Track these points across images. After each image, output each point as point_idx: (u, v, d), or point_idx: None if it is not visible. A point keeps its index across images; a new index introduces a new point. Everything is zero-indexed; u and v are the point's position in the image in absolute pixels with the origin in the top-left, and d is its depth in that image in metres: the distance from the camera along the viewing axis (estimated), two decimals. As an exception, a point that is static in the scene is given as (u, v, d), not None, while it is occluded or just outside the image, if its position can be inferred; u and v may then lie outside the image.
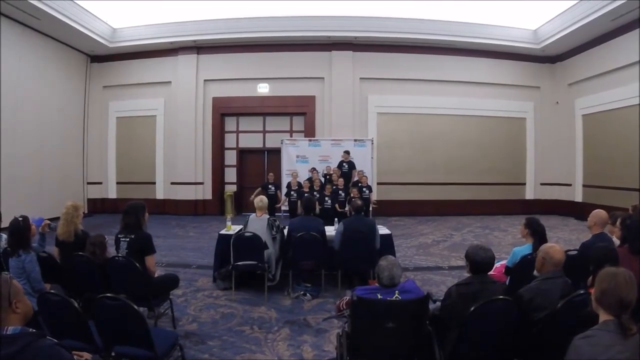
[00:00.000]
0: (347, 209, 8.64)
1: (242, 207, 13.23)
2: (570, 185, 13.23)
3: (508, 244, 8.77)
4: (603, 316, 1.91)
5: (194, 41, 13.02)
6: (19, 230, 3.68)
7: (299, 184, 9.84)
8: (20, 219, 3.74)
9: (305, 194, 8.79)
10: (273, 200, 9.54)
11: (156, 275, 4.25)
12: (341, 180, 9.73)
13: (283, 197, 10.19)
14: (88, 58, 13.67)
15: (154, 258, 4.10)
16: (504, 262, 4.35)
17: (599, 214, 4.20)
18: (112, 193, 14.09)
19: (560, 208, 13.35)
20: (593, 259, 3.07)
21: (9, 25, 10.18)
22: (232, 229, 6.06)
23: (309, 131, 13.32)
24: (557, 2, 11.02)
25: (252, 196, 7.45)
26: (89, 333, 2.79)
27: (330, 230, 5.87)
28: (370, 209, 9.83)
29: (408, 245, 8.94)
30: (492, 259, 2.94)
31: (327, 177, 10.33)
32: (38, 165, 11.44)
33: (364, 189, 9.69)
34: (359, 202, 6.16)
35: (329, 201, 8.90)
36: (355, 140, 12.16)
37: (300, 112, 13.57)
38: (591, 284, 3.04)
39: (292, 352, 3.90)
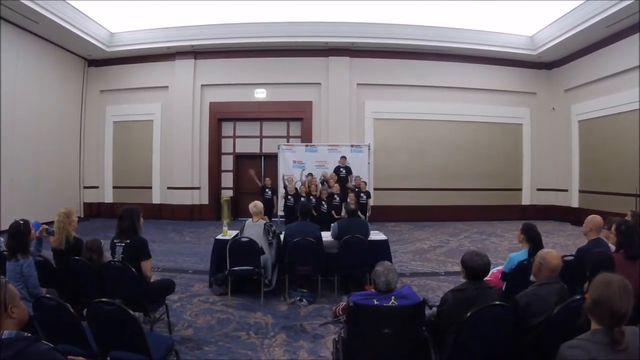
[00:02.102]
0: (343, 213, 8.63)
1: (239, 212, 13.23)
2: (566, 190, 13.27)
3: (504, 249, 8.77)
4: (594, 325, 1.82)
5: (192, 46, 13.05)
6: (19, 234, 3.65)
7: (295, 189, 9.83)
8: (21, 222, 3.71)
9: (302, 198, 8.82)
10: (269, 205, 9.53)
11: (152, 280, 4.24)
12: (337, 185, 9.74)
13: (280, 203, 10.18)
14: (85, 62, 13.68)
15: (150, 263, 4.09)
16: (500, 267, 4.36)
17: (594, 219, 4.21)
18: (108, 197, 14.04)
19: (557, 213, 13.39)
20: (589, 264, 3.08)
21: (7, 28, 10.18)
22: (229, 234, 6.04)
23: (306, 136, 13.34)
24: (553, 8, 11.11)
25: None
26: (85, 338, 2.77)
27: (327, 236, 5.88)
28: (367, 214, 9.82)
29: (404, 250, 8.93)
30: (488, 264, 2.94)
31: (324, 183, 10.31)
32: (35, 169, 11.43)
33: (362, 194, 9.71)
34: (352, 205, 6.21)
35: (325, 205, 8.90)
36: (352, 145, 12.18)
37: (297, 117, 13.59)
38: (587, 290, 3.05)
39: (289, 357, 3.89)
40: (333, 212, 9.04)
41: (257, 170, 12.46)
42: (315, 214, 8.11)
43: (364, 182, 10.37)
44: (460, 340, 2.66)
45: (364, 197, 9.82)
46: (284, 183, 10.03)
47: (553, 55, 13.09)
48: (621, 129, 11.02)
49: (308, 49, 13.15)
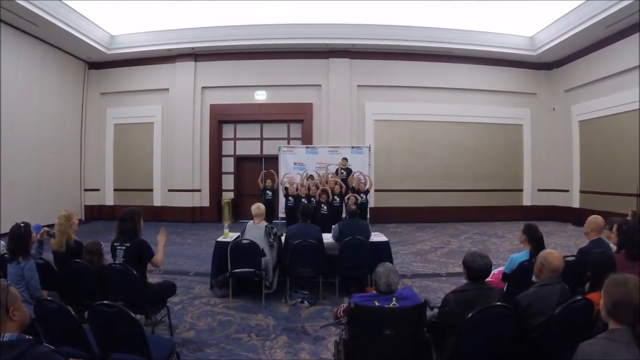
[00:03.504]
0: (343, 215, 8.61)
1: (239, 214, 13.22)
2: (567, 191, 13.25)
3: (506, 250, 8.76)
4: (613, 325, 1.84)
5: (192, 48, 13.05)
6: (20, 236, 3.65)
7: (296, 191, 9.81)
8: (22, 225, 3.72)
9: (303, 200, 8.82)
10: (270, 206, 9.52)
11: (161, 267, 4.24)
12: (337, 187, 9.71)
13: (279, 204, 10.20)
14: (86, 65, 13.68)
15: (156, 257, 4.12)
16: (501, 268, 4.35)
17: (595, 220, 4.21)
18: (109, 200, 14.05)
19: (558, 214, 13.37)
20: (591, 265, 3.08)
21: (7, 31, 10.17)
22: (230, 236, 6.05)
23: (307, 138, 13.34)
24: (553, 9, 11.11)
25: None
26: (86, 340, 2.77)
27: (328, 238, 5.88)
28: (368, 214, 9.78)
29: (405, 252, 8.93)
30: (490, 265, 2.93)
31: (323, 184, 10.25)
32: (35, 171, 11.42)
33: (362, 195, 9.68)
34: (353, 206, 6.22)
35: (325, 207, 8.88)
36: (352, 147, 12.16)
37: (297, 119, 13.60)
38: (588, 290, 3.05)
39: (290, 359, 3.89)
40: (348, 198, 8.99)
41: (257, 172, 12.48)
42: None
43: (362, 182, 10.35)
44: (462, 341, 2.66)
45: (364, 196, 9.79)
46: (284, 185, 10.02)
47: (553, 55, 13.08)
48: (621, 129, 11.01)
49: (308, 50, 13.15)
